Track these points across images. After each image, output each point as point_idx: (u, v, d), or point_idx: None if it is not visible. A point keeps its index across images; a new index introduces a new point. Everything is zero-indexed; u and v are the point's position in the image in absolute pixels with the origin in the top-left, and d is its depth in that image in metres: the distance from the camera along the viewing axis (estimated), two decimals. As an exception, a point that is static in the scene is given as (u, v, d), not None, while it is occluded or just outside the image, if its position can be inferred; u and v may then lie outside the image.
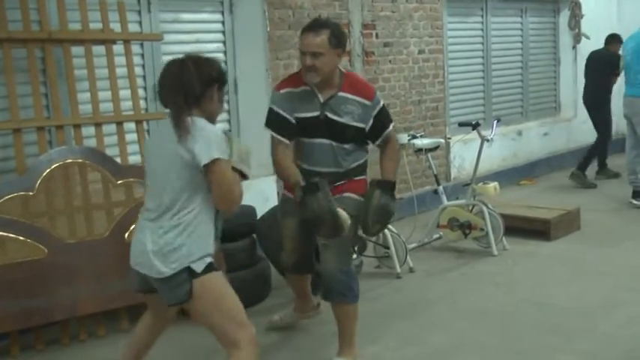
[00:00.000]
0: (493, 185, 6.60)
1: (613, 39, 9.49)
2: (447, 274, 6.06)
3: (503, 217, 6.54)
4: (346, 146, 4.23)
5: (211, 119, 3.38)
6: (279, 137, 4.25)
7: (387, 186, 4.21)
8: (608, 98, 9.29)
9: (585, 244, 6.75)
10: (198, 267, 3.25)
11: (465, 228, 6.53)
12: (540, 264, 6.23)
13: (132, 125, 5.46)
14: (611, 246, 6.65)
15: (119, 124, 5.35)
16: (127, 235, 4.97)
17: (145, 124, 5.64)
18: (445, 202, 6.70)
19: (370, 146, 4.45)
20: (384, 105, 4.32)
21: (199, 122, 3.24)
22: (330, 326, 4.53)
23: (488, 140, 6.69)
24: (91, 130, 5.31)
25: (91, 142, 5.29)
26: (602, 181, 9.53)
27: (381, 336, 4.83)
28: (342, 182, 4.30)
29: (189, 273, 3.24)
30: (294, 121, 4.24)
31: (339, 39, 4.12)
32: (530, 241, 6.84)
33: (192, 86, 3.28)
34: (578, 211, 7.29)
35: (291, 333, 4.95)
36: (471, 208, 6.68)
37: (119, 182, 5.05)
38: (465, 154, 8.66)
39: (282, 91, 4.31)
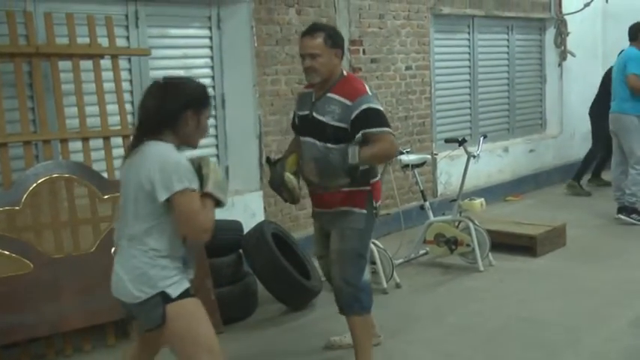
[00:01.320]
0: (479, 201, 6.63)
1: None
2: (434, 290, 6.07)
3: (489, 233, 6.56)
4: (330, 145, 4.19)
5: (189, 144, 3.36)
6: (295, 131, 4.58)
7: (345, 148, 4.13)
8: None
9: (571, 260, 6.77)
10: (173, 292, 3.23)
11: (452, 244, 6.54)
12: (526, 280, 6.25)
13: (119, 140, 5.47)
14: (596, 262, 6.68)
15: (106, 138, 5.35)
16: (113, 250, 4.93)
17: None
18: (431, 217, 6.71)
19: None
20: (372, 109, 4.14)
21: (158, 148, 3.21)
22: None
23: (474, 156, 6.72)
24: (78, 144, 5.30)
25: (78, 157, 5.28)
26: (592, 188, 9.73)
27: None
28: (340, 191, 4.25)
29: (162, 297, 3.22)
30: (297, 119, 4.49)
31: (334, 40, 4.24)
32: (517, 257, 6.85)
33: (149, 112, 3.25)
34: (564, 227, 7.32)
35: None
36: (457, 224, 6.70)
37: (106, 197, 5.04)
38: (451, 170, 8.69)
39: (299, 92, 4.68)
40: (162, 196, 3.13)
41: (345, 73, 4.35)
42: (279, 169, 4.34)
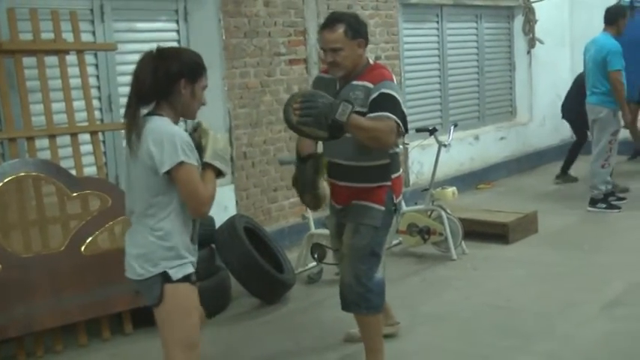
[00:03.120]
0: (451, 190, 6.67)
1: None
2: (407, 280, 6.08)
3: (461, 222, 6.57)
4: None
5: (187, 115, 3.31)
6: None
7: (338, 101, 3.81)
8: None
9: (543, 247, 6.82)
10: (176, 274, 3.20)
11: (424, 233, 6.55)
12: (499, 267, 6.28)
13: (87, 137, 5.40)
14: (568, 248, 6.73)
15: (74, 135, 5.29)
16: (83, 248, 4.91)
17: (100, 135, 5.57)
18: (404, 207, 6.70)
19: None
20: (387, 94, 3.96)
21: (156, 123, 3.16)
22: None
23: (445, 145, 6.73)
24: (45, 142, 5.23)
25: (45, 155, 5.22)
26: (560, 185, 9.64)
27: (341, 343, 4.82)
28: (359, 186, 4.16)
29: (163, 277, 3.19)
30: None
31: (356, 30, 4.06)
32: (489, 244, 6.88)
33: (142, 82, 3.18)
34: (536, 214, 7.36)
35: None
36: (429, 213, 6.71)
37: (74, 195, 4.98)
38: (423, 159, 8.70)
39: (317, 76, 4.44)
40: (163, 169, 3.08)
41: (371, 61, 4.20)
42: (311, 171, 4.09)
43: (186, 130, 3.34)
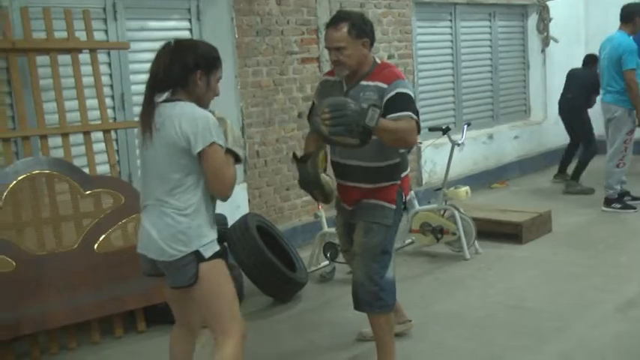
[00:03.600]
0: (464, 189, 6.62)
1: (590, 60, 9.32)
2: (420, 279, 6.06)
3: (475, 221, 6.54)
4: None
5: (201, 104, 3.37)
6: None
7: (366, 107, 3.76)
8: (587, 114, 9.22)
9: (557, 247, 6.77)
10: (207, 252, 3.30)
11: (437, 232, 6.53)
12: (512, 267, 6.25)
13: (99, 135, 5.42)
14: (582, 248, 6.69)
15: (86, 133, 5.30)
16: (96, 246, 4.92)
17: (113, 134, 5.58)
18: (417, 206, 6.70)
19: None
20: (403, 93, 3.96)
21: (189, 107, 3.27)
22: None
23: (458, 145, 6.71)
24: (58, 140, 5.25)
25: (58, 153, 5.24)
26: (557, 184, 9.50)
27: (354, 342, 4.81)
28: (370, 186, 4.14)
29: (196, 257, 3.28)
30: None
31: (361, 29, 4.03)
32: (503, 244, 6.85)
33: (159, 71, 3.30)
34: (550, 214, 7.33)
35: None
36: (442, 212, 6.68)
37: (87, 193, 4.99)
38: (436, 158, 8.68)
39: (322, 79, 4.43)
40: (198, 148, 3.20)
41: (378, 60, 4.16)
42: (311, 168, 4.10)
43: None
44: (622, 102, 7.74)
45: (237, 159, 3.39)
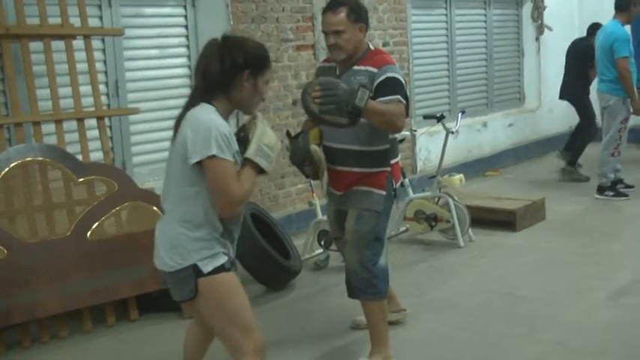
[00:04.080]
0: (459, 177, 6.63)
1: (594, 29, 8.92)
2: (414, 267, 6.06)
3: (469, 209, 6.55)
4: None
5: (244, 108, 3.22)
6: None
7: (356, 87, 3.83)
8: (587, 90, 9.14)
9: (551, 234, 6.79)
10: (206, 266, 3.10)
11: (431, 220, 6.54)
12: (506, 255, 6.25)
13: (93, 122, 5.38)
14: (576, 235, 6.70)
15: (80, 120, 5.27)
16: (89, 233, 4.90)
17: (106, 121, 5.55)
18: (411, 194, 6.69)
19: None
20: (392, 78, 4.00)
21: (197, 111, 3.07)
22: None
23: (453, 132, 6.70)
24: (51, 127, 5.22)
25: (52, 140, 5.20)
26: (559, 160, 9.42)
27: (347, 330, 4.81)
28: (360, 171, 4.15)
29: (194, 271, 3.10)
30: None
31: (358, 14, 4.09)
32: (497, 232, 6.86)
33: (206, 71, 3.12)
34: (544, 202, 7.34)
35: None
36: (437, 200, 6.68)
37: (80, 180, 4.96)
38: (430, 146, 8.68)
39: (319, 66, 4.47)
40: (193, 159, 2.99)
41: (371, 46, 4.21)
42: (303, 142, 4.14)
43: (237, 124, 3.24)
44: (616, 91, 7.74)
45: (261, 170, 3.15)
